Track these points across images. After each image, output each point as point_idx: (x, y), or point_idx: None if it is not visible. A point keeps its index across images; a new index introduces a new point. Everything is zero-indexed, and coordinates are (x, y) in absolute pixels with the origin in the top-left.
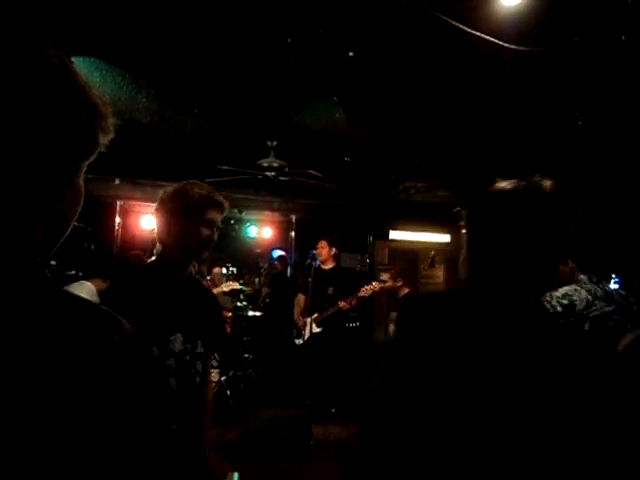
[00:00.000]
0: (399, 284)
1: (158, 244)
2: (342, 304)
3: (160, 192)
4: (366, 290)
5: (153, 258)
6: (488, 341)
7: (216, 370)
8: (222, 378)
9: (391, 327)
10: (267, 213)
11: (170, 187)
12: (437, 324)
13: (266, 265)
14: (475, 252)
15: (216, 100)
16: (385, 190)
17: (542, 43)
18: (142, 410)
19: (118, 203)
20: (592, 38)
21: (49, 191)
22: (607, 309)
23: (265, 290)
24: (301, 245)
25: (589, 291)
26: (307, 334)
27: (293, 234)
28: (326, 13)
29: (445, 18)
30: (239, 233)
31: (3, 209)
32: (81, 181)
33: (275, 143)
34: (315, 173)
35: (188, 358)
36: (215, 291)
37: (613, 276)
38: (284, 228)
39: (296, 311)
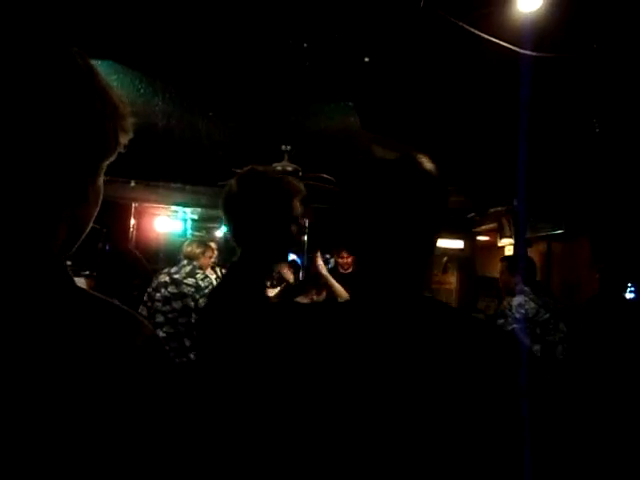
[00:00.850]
0: None
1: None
2: None
3: (174, 195)
4: None
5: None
6: (361, 335)
7: None
8: None
9: None
10: None
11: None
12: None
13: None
14: (353, 229)
15: (231, 104)
16: None
17: (559, 50)
18: (158, 414)
19: (133, 205)
20: (610, 45)
21: (74, 190)
22: (546, 316)
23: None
24: (314, 250)
25: (533, 300)
26: None
27: (306, 238)
28: (342, 18)
29: (461, 24)
30: None
31: (31, 208)
32: (101, 181)
33: (289, 147)
34: (328, 177)
35: None
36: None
37: (629, 285)
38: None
39: None
